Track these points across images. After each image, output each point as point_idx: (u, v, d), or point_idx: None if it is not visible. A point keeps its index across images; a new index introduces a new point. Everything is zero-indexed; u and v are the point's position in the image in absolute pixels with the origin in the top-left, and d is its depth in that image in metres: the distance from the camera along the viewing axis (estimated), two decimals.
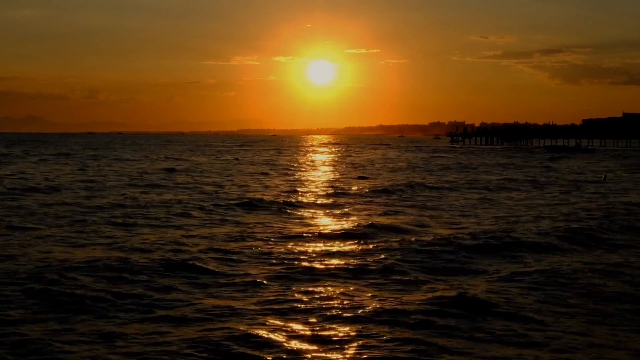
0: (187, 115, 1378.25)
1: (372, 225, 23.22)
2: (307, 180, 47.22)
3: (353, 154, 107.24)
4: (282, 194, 35.86)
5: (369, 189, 38.90)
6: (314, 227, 23.45)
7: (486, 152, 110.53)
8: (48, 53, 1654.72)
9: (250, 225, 23.92)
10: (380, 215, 27.22)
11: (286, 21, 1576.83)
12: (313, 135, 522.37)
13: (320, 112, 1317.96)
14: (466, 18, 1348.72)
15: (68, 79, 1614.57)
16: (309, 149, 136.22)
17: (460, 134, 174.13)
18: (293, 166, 68.95)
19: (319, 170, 62.80)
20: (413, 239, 20.45)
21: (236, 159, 52.37)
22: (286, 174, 54.80)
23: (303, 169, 63.43)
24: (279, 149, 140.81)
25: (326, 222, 25.04)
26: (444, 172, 57.65)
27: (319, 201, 32.47)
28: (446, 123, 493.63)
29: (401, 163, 76.44)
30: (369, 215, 27.17)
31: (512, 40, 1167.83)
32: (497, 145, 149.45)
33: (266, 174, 54.05)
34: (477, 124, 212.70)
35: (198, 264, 16.64)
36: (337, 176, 52.38)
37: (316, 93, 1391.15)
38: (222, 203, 30.68)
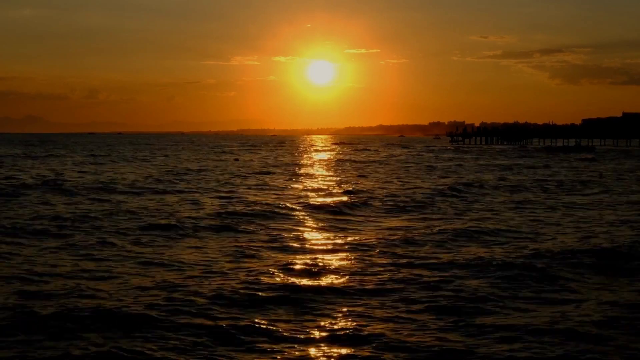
0: (187, 115, 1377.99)
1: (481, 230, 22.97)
2: (367, 182, 45.98)
3: (373, 154, 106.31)
4: (363, 196, 34.95)
5: (431, 189, 38.47)
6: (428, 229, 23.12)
7: (497, 152, 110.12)
8: (48, 53, 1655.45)
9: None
10: (463, 218, 26.94)
11: (286, 21, 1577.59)
12: (320, 135, 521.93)
13: (320, 112, 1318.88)
14: (466, 18, 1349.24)
15: (68, 79, 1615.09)
16: (333, 150, 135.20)
17: (460, 133, 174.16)
18: (339, 166, 69.37)
19: (369, 170, 62.18)
20: (533, 244, 19.84)
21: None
22: (344, 175, 54.64)
23: (351, 170, 62.52)
24: (301, 148, 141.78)
25: (437, 224, 24.66)
26: (483, 172, 57.24)
27: (401, 203, 31.62)
28: (446, 123, 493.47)
29: (428, 163, 75.87)
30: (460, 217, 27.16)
31: (512, 40, 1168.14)
32: (501, 145, 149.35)
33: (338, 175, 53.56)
34: (477, 124, 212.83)
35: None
36: (387, 177, 51.70)
37: (316, 93, 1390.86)
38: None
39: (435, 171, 60.01)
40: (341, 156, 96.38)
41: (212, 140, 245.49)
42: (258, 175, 52.16)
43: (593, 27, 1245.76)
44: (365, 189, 38.77)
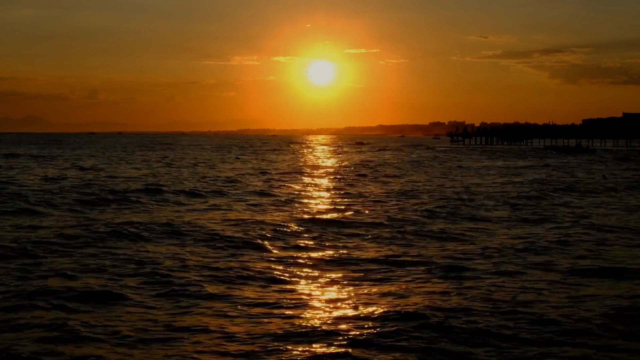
0: (187, 115, 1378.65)
1: None
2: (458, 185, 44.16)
3: (405, 154, 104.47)
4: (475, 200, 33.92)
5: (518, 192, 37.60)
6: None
7: (502, 152, 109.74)
8: (48, 53, 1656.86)
9: None
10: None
11: (286, 21, 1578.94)
12: (321, 135, 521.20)
13: (320, 112, 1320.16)
14: (465, 18, 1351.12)
15: (68, 79, 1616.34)
16: (362, 150, 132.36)
17: (460, 134, 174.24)
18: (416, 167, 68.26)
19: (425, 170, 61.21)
20: None
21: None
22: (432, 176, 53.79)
23: (431, 171, 60.79)
24: (328, 148, 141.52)
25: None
26: (535, 172, 56.84)
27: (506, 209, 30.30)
28: (446, 123, 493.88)
29: (459, 163, 74.84)
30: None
31: (511, 40, 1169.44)
32: (501, 145, 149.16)
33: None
34: (477, 124, 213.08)
35: None
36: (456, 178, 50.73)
37: (316, 93, 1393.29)
38: None
39: (485, 171, 59.37)
40: (381, 157, 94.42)
41: (220, 141, 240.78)
42: (358, 179, 50.58)
43: (592, 27, 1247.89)
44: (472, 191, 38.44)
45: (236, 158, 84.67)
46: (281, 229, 23.38)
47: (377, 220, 25.68)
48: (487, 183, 45.12)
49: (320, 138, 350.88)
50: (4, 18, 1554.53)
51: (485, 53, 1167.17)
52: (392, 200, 33.48)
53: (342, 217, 26.67)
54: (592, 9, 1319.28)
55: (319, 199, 34.70)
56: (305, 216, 26.79)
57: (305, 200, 33.57)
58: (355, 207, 30.20)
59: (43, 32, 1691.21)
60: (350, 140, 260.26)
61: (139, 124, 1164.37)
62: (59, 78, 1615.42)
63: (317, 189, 41.51)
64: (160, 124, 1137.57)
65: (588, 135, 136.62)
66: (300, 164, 72.84)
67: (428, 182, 46.12)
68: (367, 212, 28.57)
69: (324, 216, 26.95)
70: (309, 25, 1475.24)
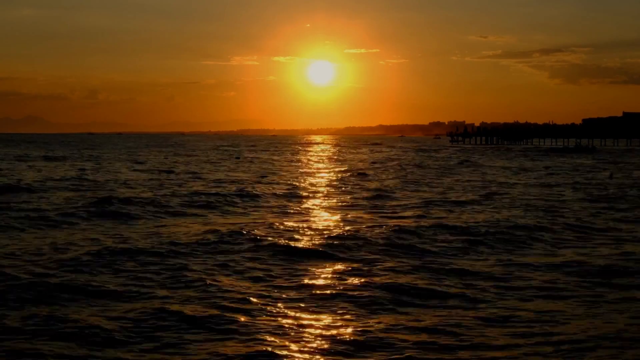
0: (187, 115, 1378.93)
1: None
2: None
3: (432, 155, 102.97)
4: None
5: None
6: None
7: (516, 152, 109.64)
8: (48, 53, 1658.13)
9: None
10: None
11: (286, 21, 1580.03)
12: (321, 135, 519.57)
13: (320, 112, 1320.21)
14: (465, 18, 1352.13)
15: (68, 79, 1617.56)
16: (381, 151, 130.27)
17: (460, 133, 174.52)
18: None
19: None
20: None
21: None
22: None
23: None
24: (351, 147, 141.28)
25: None
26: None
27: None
28: (446, 123, 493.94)
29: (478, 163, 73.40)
30: None
31: (511, 40, 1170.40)
32: (502, 145, 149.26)
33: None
34: (477, 124, 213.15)
35: None
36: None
37: (316, 93, 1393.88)
38: None
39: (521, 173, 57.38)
40: (413, 159, 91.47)
41: (225, 141, 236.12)
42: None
43: (592, 27, 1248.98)
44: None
45: (236, 157, 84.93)
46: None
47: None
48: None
49: (326, 138, 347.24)
50: (4, 18, 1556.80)
51: (485, 53, 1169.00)
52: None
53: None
54: (592, 9, 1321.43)
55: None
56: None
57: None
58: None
59: (43, 32, 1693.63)
60: (353, 140, 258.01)
61: (139, 124, 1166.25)
62: (59, 78, 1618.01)
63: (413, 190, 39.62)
64: (160, 124, 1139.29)
65: (588, 134, 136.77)
66: (360, 164, 72.54)
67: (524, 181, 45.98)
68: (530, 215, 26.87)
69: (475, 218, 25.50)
70: (309, 25, 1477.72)
